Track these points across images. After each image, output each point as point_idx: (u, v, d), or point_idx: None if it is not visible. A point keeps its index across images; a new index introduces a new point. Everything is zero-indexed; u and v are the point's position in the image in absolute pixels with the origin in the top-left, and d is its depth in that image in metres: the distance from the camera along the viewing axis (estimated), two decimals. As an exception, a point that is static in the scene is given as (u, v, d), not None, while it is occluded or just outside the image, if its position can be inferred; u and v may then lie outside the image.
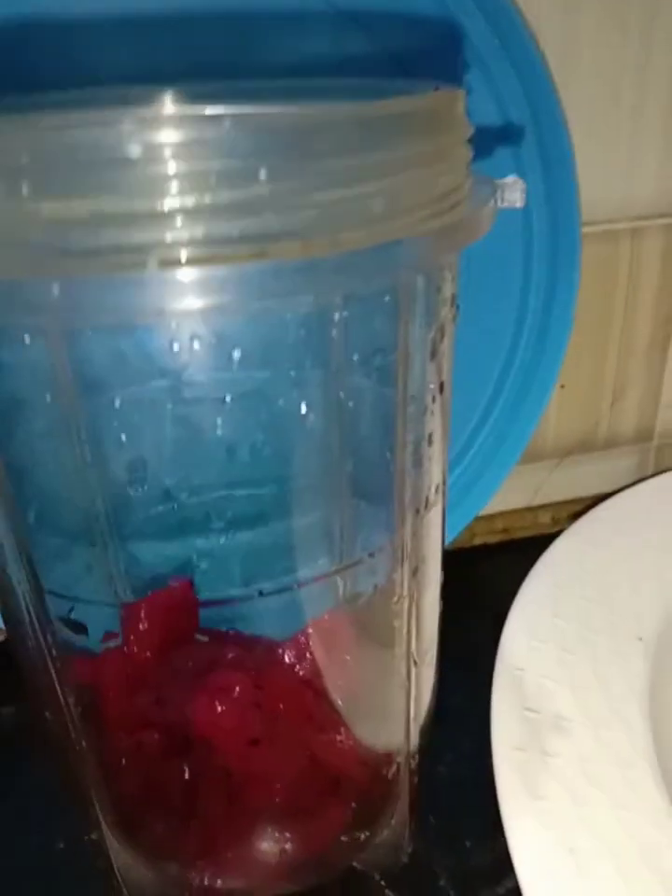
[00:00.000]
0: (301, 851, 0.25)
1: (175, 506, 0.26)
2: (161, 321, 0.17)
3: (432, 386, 0.18)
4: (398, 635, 0.23)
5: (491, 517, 0.47)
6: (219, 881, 0.26)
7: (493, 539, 0.48)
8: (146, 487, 0.23)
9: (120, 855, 0.26)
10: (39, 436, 0.23)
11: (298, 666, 0.24)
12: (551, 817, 0.28)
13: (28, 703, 0.25)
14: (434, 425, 0.19)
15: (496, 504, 0.43)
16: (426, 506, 0.20)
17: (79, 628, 0.26)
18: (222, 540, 0.28)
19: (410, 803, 0.26)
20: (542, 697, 0.32)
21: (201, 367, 0.19)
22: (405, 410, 0.18)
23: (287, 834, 0.25)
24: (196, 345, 0.18)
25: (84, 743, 0.22)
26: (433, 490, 0.21)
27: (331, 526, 0.27)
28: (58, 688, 0.20)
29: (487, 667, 0.34)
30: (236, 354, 0.18)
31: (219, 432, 0.21)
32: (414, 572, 0.21)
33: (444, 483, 0.22)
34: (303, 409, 0.19)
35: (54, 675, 0.20)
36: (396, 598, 0.22)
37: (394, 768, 0.25)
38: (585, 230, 0.37)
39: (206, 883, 0.25)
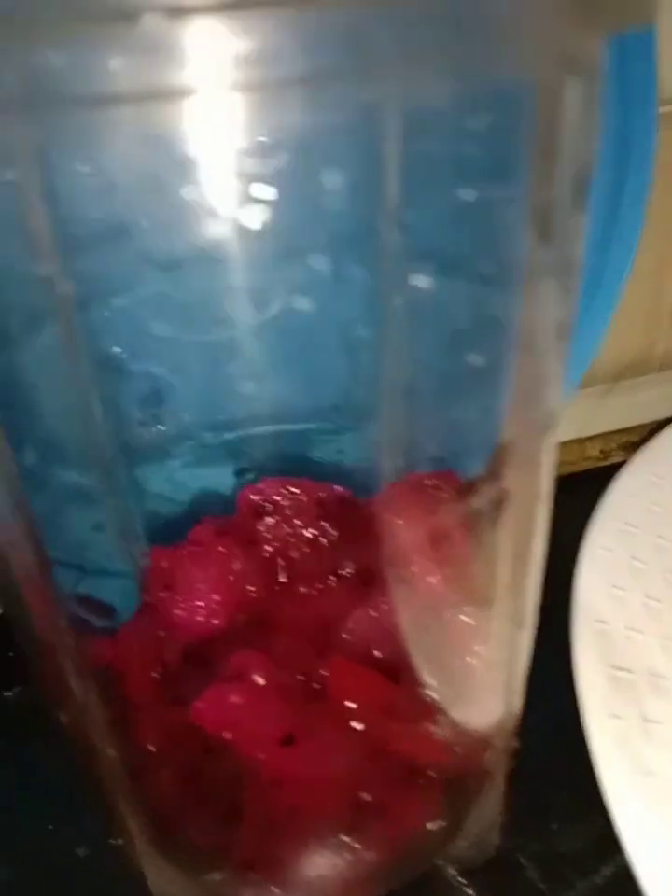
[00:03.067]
0: (369, 859, 0.20)
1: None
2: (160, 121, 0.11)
3: (580, 245, 0.13)
4: (498, 590, 0.18)
5: (535, 453, 0.42)
6: (273, 893, 0.21)
7: (537, 478, 0.43)
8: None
9: (151, 865, 0.21)
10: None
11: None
12: (665, 795, 0.23)
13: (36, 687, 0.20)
14: (569, 309, 0.14)
15: (541, 438, 0.38)
16: (554, 418, 0.15)
17: (102, 611, 0.21)
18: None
19: (504, 791, 0.22)
20: (631, 653, 0.28)
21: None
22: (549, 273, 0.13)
23: (351, 840, 0.20)
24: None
25: (111, 751, 0.17)
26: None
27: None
28: (73, 685, 0.15)
29: (557, 622, 0.30)
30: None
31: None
32: (529, 512, 0.16)
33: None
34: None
35: (71, 667, 0.15)
36: (502, 545, 0.17)
37: (490, 754, 0.20)
38: (664, 109, 0.31)
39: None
